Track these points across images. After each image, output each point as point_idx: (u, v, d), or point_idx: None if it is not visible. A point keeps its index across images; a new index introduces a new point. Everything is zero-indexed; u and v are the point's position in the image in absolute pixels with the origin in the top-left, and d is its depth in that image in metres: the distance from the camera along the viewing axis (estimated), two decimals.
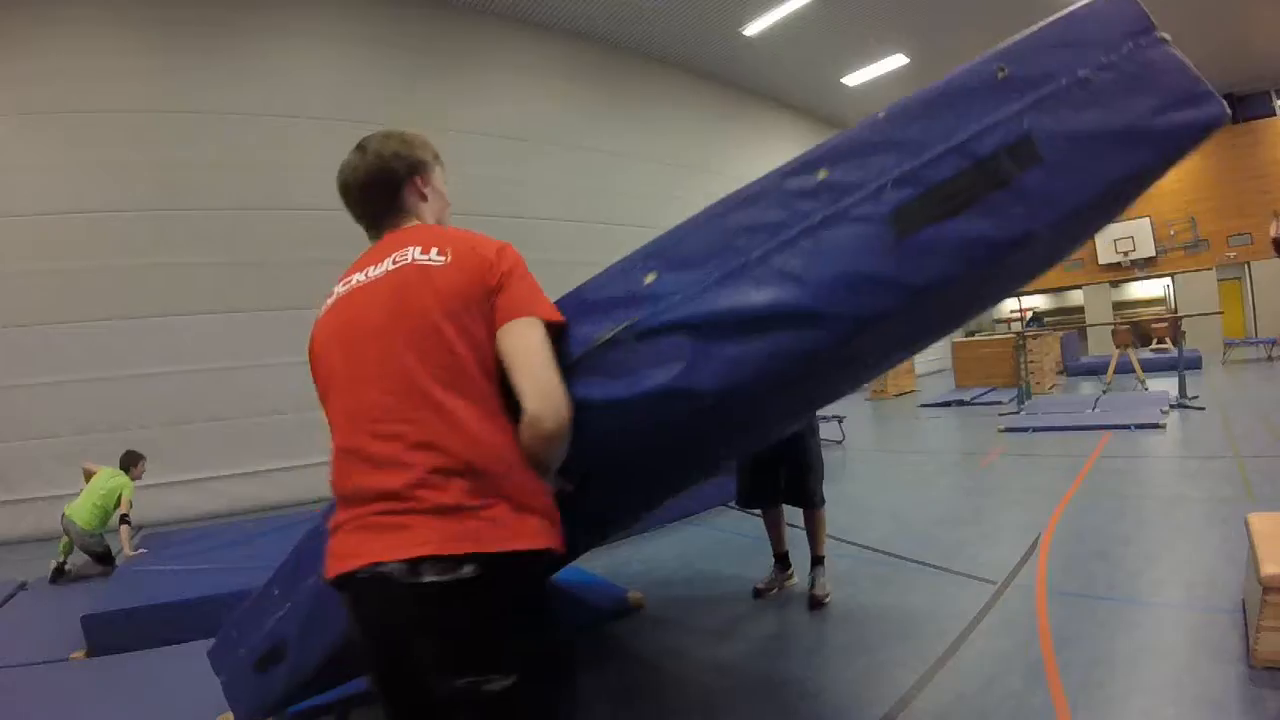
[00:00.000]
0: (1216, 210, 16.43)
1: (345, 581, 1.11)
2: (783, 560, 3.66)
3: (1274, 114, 15.90)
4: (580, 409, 1.21)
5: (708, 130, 12.85)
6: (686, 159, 12.26)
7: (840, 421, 8.71)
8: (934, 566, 3.76)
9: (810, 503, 3.41)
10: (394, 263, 1.30)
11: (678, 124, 12.21)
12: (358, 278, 1.38)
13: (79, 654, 3.28)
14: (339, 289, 1.43)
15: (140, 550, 4.97)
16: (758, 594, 3.52)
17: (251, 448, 7.50)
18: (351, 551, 1.10)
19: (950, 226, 1.20)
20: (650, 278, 1.32)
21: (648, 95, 11.79)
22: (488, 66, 9.61)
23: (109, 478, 5.27)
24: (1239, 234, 16.19)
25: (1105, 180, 1.25)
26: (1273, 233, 12.87)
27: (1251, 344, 14.80)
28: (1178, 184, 17.05)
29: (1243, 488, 4.64)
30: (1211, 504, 4.37)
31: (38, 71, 6.78)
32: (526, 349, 1.18)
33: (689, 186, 12.19)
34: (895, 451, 7.90)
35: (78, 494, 5.32)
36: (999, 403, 10.41)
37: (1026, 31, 1.43)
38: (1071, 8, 1.38)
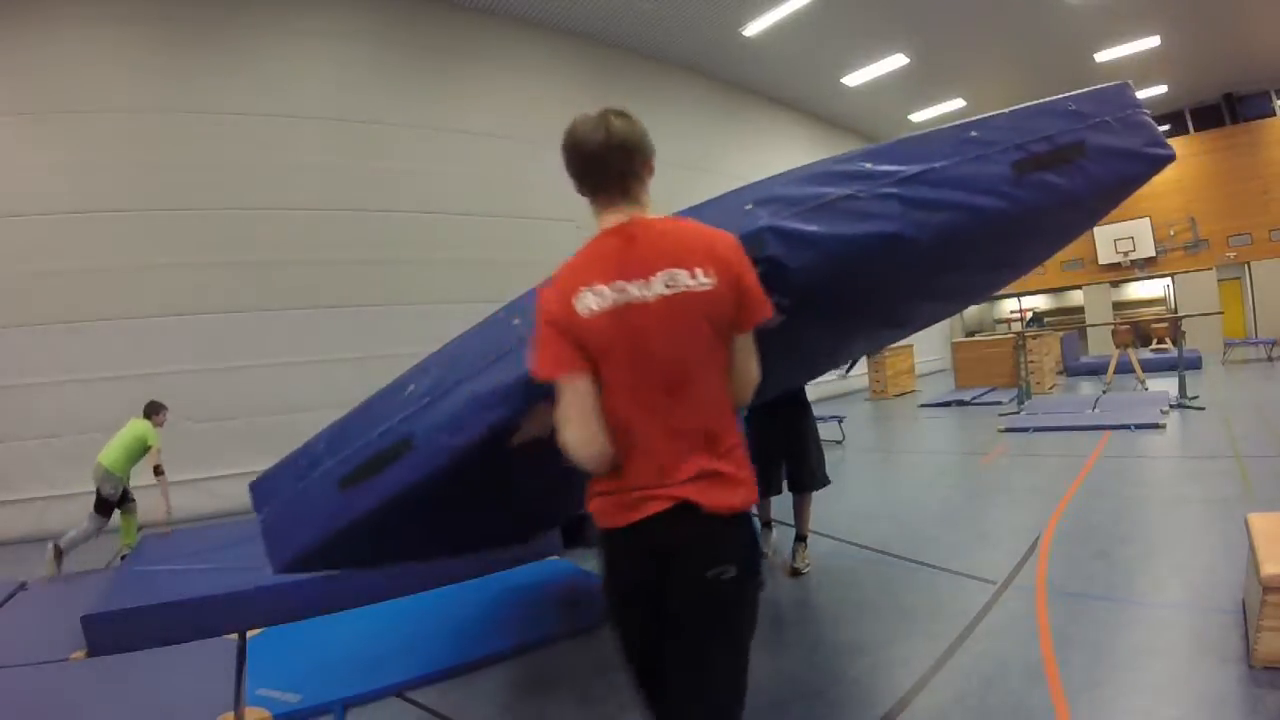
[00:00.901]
0: (1216, 210, 16.43)
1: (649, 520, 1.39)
2: (768, 526, 4.38)
3: (1274, 114, 15.90)
4: (819, 238, 1.82)
5: (708, 130, 12.84)
6: (687, 159, 12.24)
7: (840, 421, 8.72)
8: (934, 566, 3.76)
9: (812, 488, 3.92)
10: (667, 287, 1.37)
11: (678, 124, 12.20)
12: (633, 291, 1.37)
13: (79, 654, 3.27)
14: (609, 292, 1.37)
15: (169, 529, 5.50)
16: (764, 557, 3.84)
17: (251, 448, 7.48)
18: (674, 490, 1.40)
19: (1045, 176, 2.06)
20: (868, 164, 1.97)
21: (648, 95, 11.77)
22: (488, 66, 9.60)
23: (134, 424, 5.59)
24: (1239, 234, 16.20)
25: (1118, 175, 2.28)
26: None
27: (1251, 344, 14.81)
28: (1178, 184, 17.05)
29: (1243, 488, 4.65)
30: (1211, 504, 4.37)
31: (38, 71, 6.78)
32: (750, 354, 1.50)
33: (689, 186, 12.15)
34: (895, 451, 7.90)
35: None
36: (999, 403, 10.41)
37: (1084, 90, 2.36)
38: (1104, 86, 2.40)
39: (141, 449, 5.51)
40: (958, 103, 15.45)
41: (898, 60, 12.76)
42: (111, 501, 5.38)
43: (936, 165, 1.94)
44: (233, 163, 7.56)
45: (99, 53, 7.03)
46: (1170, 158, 2.35)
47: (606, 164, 1.44)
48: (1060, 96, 2.28)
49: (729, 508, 1.43)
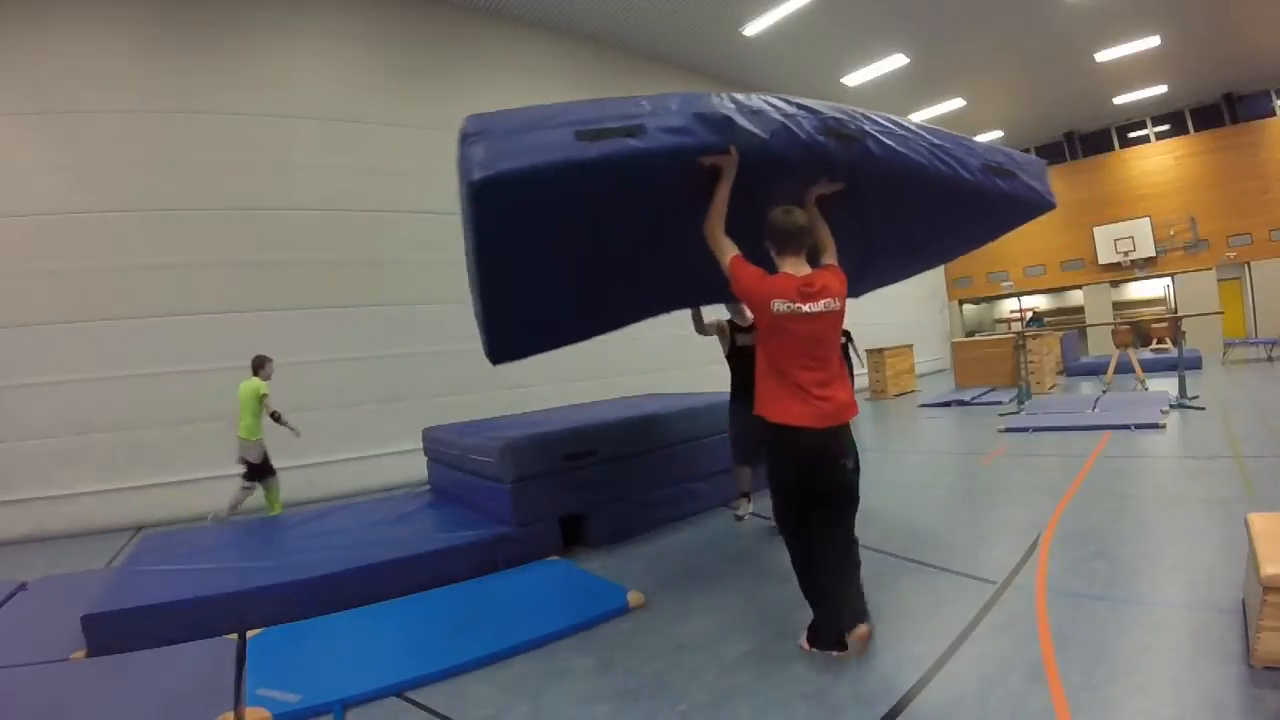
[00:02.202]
0: (1216, 210, 16.43)
1: (811, 429, 2.70)
2: (746, 496, 5.19)
3: (1274, 114, 15.90)
4: (883, 150, 3.02)
5: None
6: None
7: None
8: (934, 566, 3.76)
9: None
10: (825, 308, 2.72)
11: None
12: (807, 306, 2.69)
13: (79, 654, 3.27)
14: (796, 305, 2.68)
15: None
16: (739, 520, 5.07)
17: None
18: (828, 414, 2.72)
19: (996, 179, 3.37)
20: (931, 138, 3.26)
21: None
22: (487, 66, 9.61)
23: (244, 385, 6.13)
24: (1239, 234, 16.19)
25: (1027, 201, 3.64)
26: None
27: (1251, 344, 14.81)
28: (1178, 184, 17.06)
29: (1243, 488, 4.65)
30: (1211, 504, 4.37)
31: (38, 71, 6.78)
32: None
33: None
34: (895, 451, 7.90)
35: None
36: (999, 403, 10.41)
37: (1014, 151, 3.71)
38: (1029, 155, 3.82)
39: (258, 402, 6.08)
40: (957, 102, 15.45)
41: (898, 60, 12.76)
42: (258, 467, 6.11)
43: (949, 146, 3.21)
44: (233, 163, 7.56)
45: (99, 53, 7.03)
46: (1052, 205, 3.81)
47: (799, 240, 2.81)
48: (996, 149, 3.60)
49: (844, 421, 2.84)
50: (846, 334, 5.86)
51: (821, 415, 2.68)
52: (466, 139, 2.49)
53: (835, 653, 2.74)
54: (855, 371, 5.49)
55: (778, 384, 2.73)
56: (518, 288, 3.40)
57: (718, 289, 3.28)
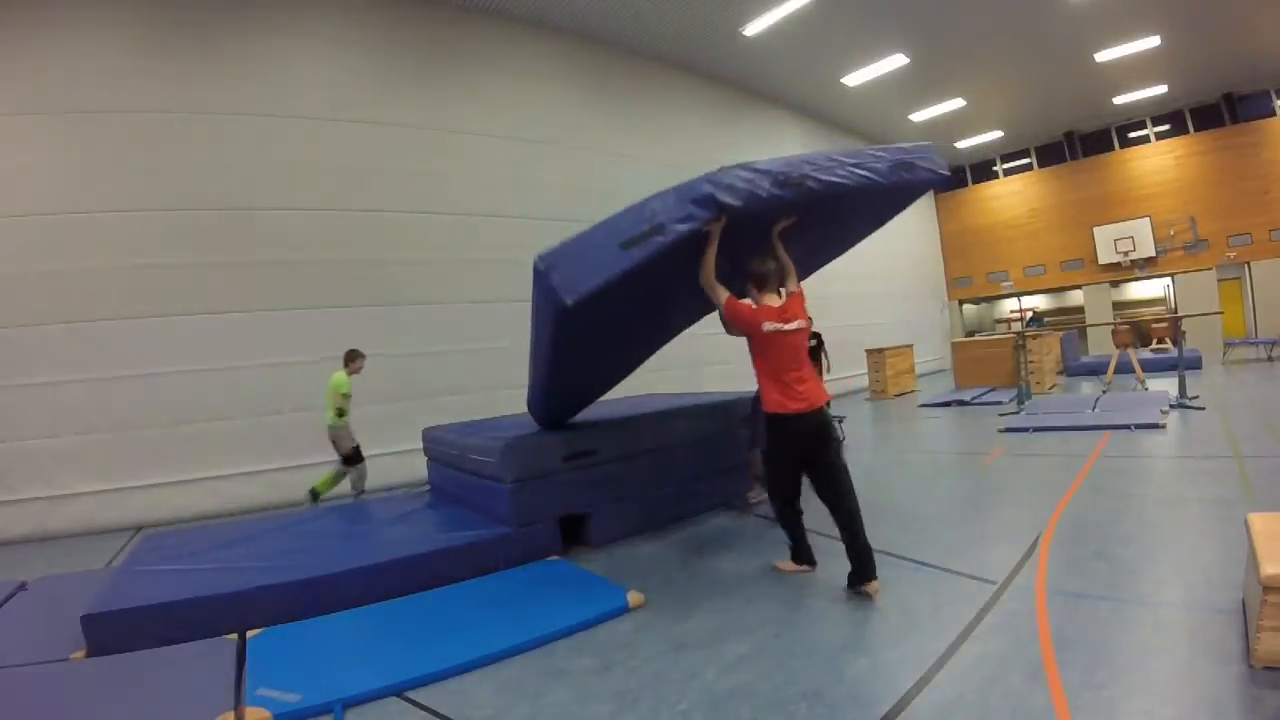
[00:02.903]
0: (1216, 210, 16.43)
1: (801, 413, 3.63)
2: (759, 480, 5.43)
3: (1274, 114, 15.90)
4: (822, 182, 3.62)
5: (708, 130, 12.84)
6: (687, 159, 12.23)
7: (840, 421, 8.72)
8: (934, 566, 3.76)
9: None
10: (797, 326, 3.69)
11: (678, 124, 12.21)
12: (786, 326, 3.67)
13: (79, 654, 3.27)
14: (779, 325, 3.66)
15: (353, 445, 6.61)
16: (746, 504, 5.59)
17: (251, 448, 7.49)
18: (812, 401, 3.64)
19: (901, 172, 3.96)
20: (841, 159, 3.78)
21: (648, 96, 11.78)
22: (487, 67, 9.60)
23: (331, 379, 6.51)
24: (1239, 234, 16.19)
25: (927, 173, 4.12)
26: None
27: (1251, 344, 14.81)
28: (1178, 184, 17.06)
29: (1242, 488, 4.65)
30: (1211, 504, 4.37)
31: (38, 71, 6.77)
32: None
33: None
34: (895, 451, 7.90)
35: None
36: (999, 403, 10.42)
37: (906, 145, 4.17)
38: (918, 144, 4.23)
39: (341, 394, 6.44)
40: (957, 102, 15.45)
41: (898, 60, 12.75)
42: (349, 451, 6.58)
43: (864, 160, 3.82)
44: (233, 163, 7.56)
45: (100, 54, 7.03)
46: (945, 177, 4.34)
47: (774, 280, 3.73)
48: (900, 145, 4.16)
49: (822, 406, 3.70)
50: (818, 337, 6.16)
51: (806, 403, 3.64)
52: (545, 274, 3.28)
53: (808, 567, 3.96)
54: (828, 369, 5.87)
55: (772, 384, 3.69)
56: (578, 369, 4.62)
57: (697, 312, 4.71)
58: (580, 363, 4.52)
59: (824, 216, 4.22)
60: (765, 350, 3.66)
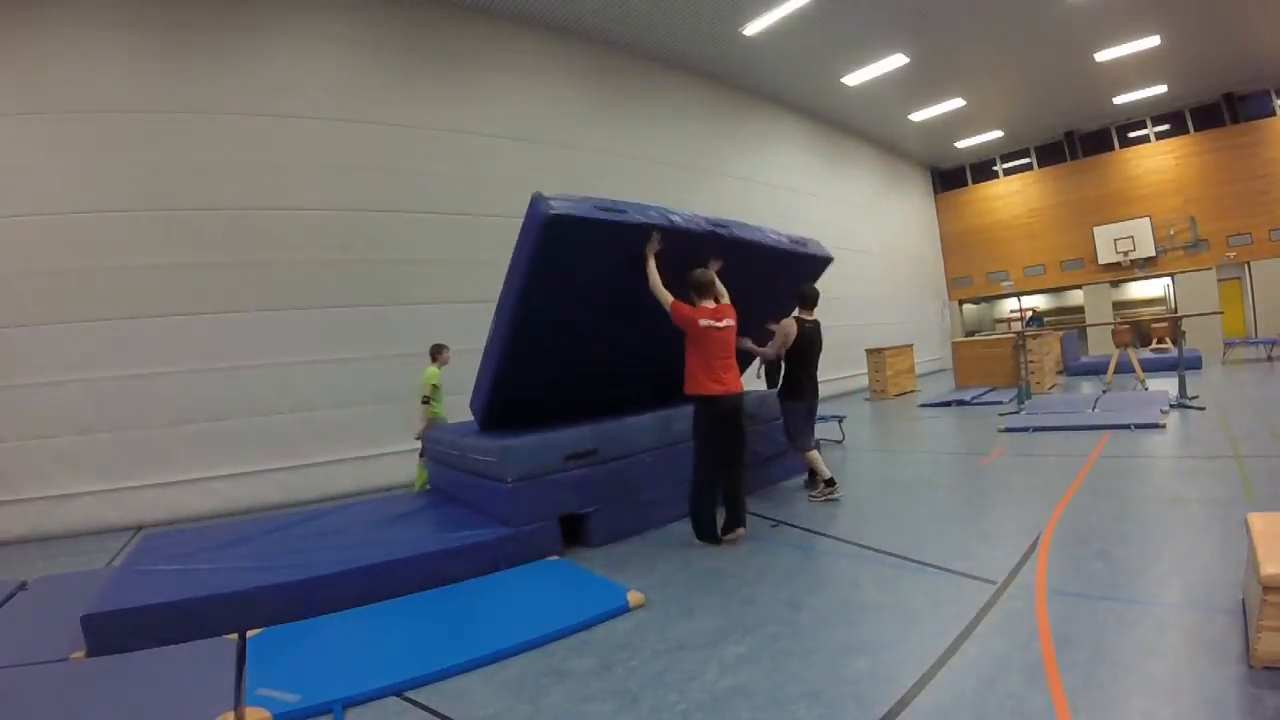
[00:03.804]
0: (1216, 210, 16.43)
1: (726, 395, 4.56)
2: (831, 482, 5.65)
3: (1274, 114, 15.90)
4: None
5: (708, 130, 12.84)
6: (687, 159, 12.27)
7: (840, 421, 8.72)
8: (934, 566, 3.76)
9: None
10: (726, 324, 4.63)
11: (678, 124, 12.21)
12: (718, 323, 4.57)
13: (79, 654, 3.27)
14: (713, 322, 4.53)
15: (421, 439, 6.82)
16: (835, 500, 5.59)
17: (251, 448, 7.50)
18: (732, 387, 4.60)
19: (797, 248, 6.25)
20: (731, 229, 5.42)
21: (648, 95, 11.78)
22: (487, 67, 9.60)
23: (424, 372, 6.96)
24: (1239, 234, 16.20)
25: (816, 251, 6.58)
26: None
27: (1251, 344, 14.81)
28: (1178, 184, 17.06)
29: (1242, 488, 4.65)
30: (1211, 504, 4.37)
31: (39, 71, 6.78)
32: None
33: (690, 186, 12.19)
34: (895, 451, 7.90)
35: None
36: (999, 403, 10.42)
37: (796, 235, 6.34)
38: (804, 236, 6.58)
39: (432, 385, 6.86)
40: (957, 102, 15.45)
41: (898, 60, 12.75)
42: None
43: (770, 230, 5.83)
44: (233, 163, 7.56)
45: (100, 54, 7.03)
46: (829, 260, 6.72)
47: (710, 289, 4.70)
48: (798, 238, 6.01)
49: (741, 392, 4.70)
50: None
51: (727, 388, 4.54)
52: (540, 199, 4.30)
53: (714, 546, 4.54)
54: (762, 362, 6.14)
55: (703, 371, 4.51)
56: (540, 348, 5.03)
57: (653, 332, 4.92)
58: (543, 338, 4.92)
59: (746, 270, 5.30)
60: (700, 342, 4.51)
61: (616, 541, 4.87)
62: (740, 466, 4.68)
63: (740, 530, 4.62)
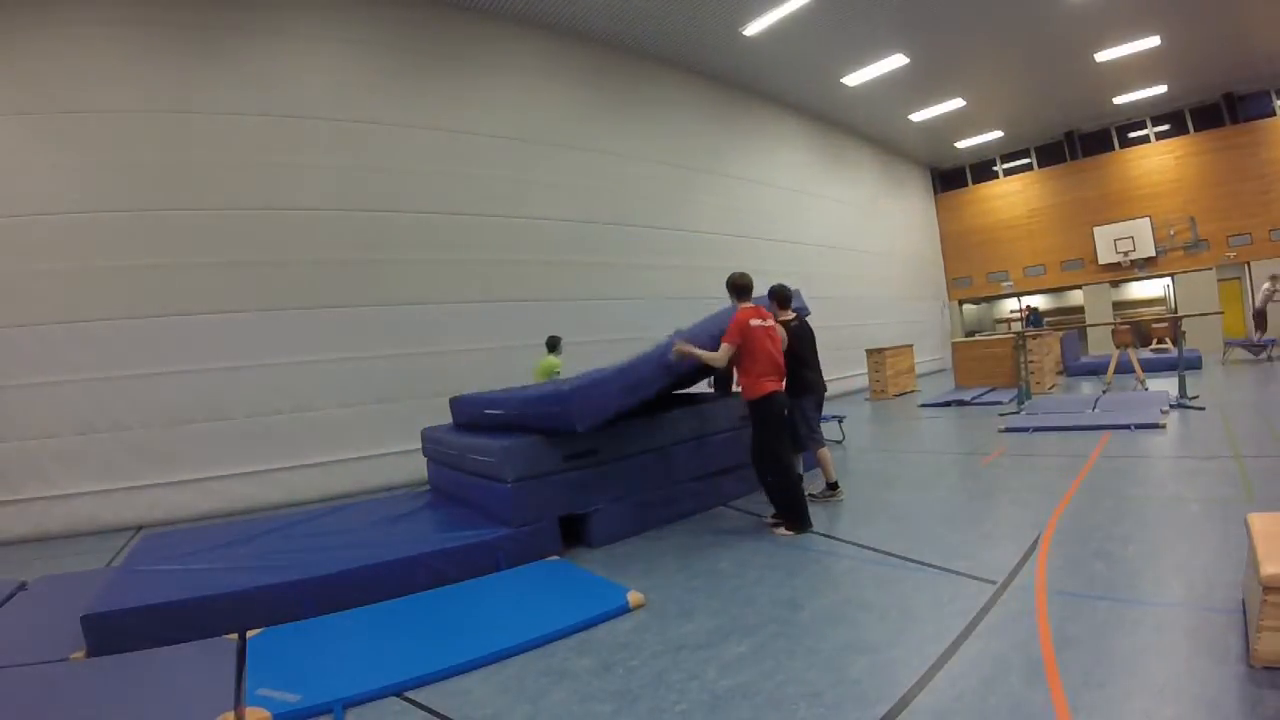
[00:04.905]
0: (1216, 210, 16.43)
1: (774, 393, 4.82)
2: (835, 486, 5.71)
3: (1274, 114, 15.90)
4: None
5: (708, 130, 12.84)
6: (687, 159, 12.27)
7: (840, 421, 8.72)
8: (934, 566, 3.76)
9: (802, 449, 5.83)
10: (771, 322, 4.98)
11: (678, 124, 12.21)
12: (766, 322, 4.89)
13: (79, 654, 3.27)
14: (759, 322, 4.81)
15: None
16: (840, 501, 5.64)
17: (251, 448, 7.50)
18: (776, 386, 4.85)
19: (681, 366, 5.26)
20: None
21: (648, 95, 11.78)
22: (488, 67, 9.60)
23: (542, 362, 7.86)
24: (1239, 234, 16.20)
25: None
26: (1257, 303, 13.16)
27: (1251, 344, 14.79)
28: (1178, 184, 17.06)
29: (1243, 488, 4.65)
30: (1211, 504, 4.37)
31: (37, 71, 6.78)
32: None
33: (690, 186, 12.20)
34: (895, 451, 7.90)
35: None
36: (999, 403, 10.42)
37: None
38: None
39: (555, 374, 7.54)
40: (957, 102, 15.45)
41: (898, 60, 12.75)
42: None
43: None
44: (232, 163, 7.56)
45: (99, 53, 7.03)
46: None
47: (749, 290, 5.00)
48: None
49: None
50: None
51: (781, 385, 4.89)
52: (568, 397, 4.66)
53: (812, 530, 4.72)
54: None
55: (760, 371, 4.75)
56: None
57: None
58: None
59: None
60: (750, 345, 4.71)
61: (616, 541, 4.87)
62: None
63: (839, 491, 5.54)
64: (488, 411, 5.96)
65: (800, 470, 5.73)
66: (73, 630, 3.36)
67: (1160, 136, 17.48)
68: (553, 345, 8.05)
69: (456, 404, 6.91)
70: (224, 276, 7.47)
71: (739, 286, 4.90)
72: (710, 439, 5.76)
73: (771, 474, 4.82)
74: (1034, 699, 2.31)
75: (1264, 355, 13.56)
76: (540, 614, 3.48)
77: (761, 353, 4.70)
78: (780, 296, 5.57)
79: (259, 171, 7.71)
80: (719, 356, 4.72)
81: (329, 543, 4.60)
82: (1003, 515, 4.81)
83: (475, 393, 6.96)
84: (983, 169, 20.73)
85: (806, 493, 5.42)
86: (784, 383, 4.93)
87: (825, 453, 5.65)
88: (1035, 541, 3.98)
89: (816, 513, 5.19)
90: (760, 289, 5.31)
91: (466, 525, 4.72)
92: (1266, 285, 13.54)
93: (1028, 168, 19.88)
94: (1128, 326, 12.52)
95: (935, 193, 21.60)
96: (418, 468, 7.49)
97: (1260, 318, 13.50)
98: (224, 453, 7.36)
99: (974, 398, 11.24)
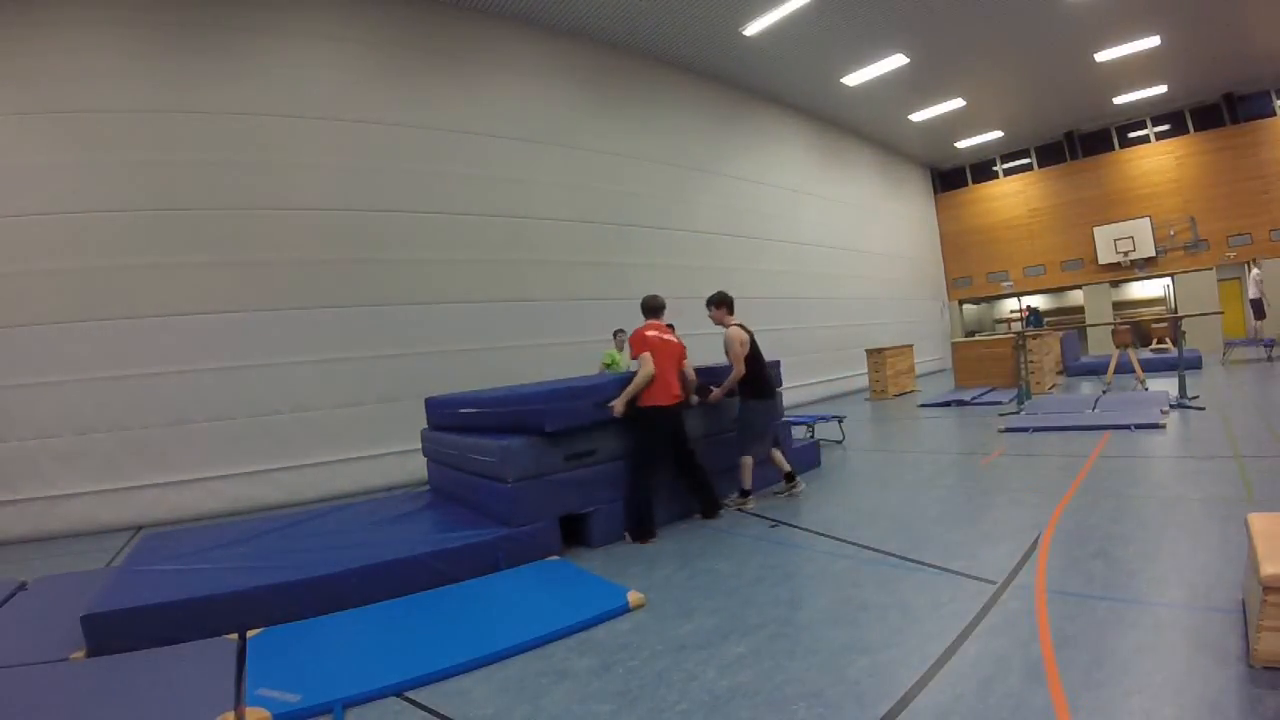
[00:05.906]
0: (1216, 210, 16.43)
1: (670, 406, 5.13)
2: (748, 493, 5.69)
3: (1274, 114, 15.90)
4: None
5: (708, 130, 12.84)
6: (687, 159, 12.27)
7: (840, 421, 8.72)
8: (934, 566, 3.76)
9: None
10: (670, 337, 5.30)
11: (678, 124, 12.21)
12: (657, 334, 5.18)
13: (79, 654, 3.27)
14: (656, 334, 5.17)
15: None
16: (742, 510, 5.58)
17: (251, 448, 7.50)
18: (675, 397, 5.16)
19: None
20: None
21: (648, 96, 11.79)
22: (488, 67, 9.60)
23: (606, 352, 8.82)
24: (1239, 234, 16.20)
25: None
26: (1251, 293, 13.20)
27: (1251, 345, 14.79)
28: (1178, 184, 17.06)
29: (1243, 488, 4.65)
30: (1211, 504, 4.37)
31: (37, 71, 6.78)
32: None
33: (689, 186, 12.20)
34: (895, 451, 7.90)
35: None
36: (999, 403, 10.42)
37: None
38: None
39: (607, 368, 8.30)
40: (957, 102, 15.45)
41: (898, 60, 12.75)
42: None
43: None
44: (233, 163, 7.56)
45: (99, 53, 7.03)
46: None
47: (658, 311, 5.43)
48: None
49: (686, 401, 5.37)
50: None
51: (679, 398, 5.18)
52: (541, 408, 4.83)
53: (643, 542, 4.81)
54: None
55: (657, 384, 4.99)
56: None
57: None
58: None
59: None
60: (654, 356, 5.00)
61: (616, 541, 4.87)
62: (695, 458, 5.29)
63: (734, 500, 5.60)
64: (462, 411, 6.04)
65: (790, 468, 5.89)
66: (73, 630, 3.36)
67: (1160, 136, 17.49)
68: (619, 335, 8.79)
69: (431, 405, 6.97)
70: (224, 276, 7.47)
71: (647, 307, 5.39)
72: (710, 439, 5.75)
73: (627, 480, 4.97)
74: (1034, 699, 2.31)
75: (1271, 354, 13.55)
76: (540, 614, 3.48)
77: (659, 364, 4.98)
78: (723, 302, 5.61)
79: (259, 171, 7.71)
80: (642, 373, 4.92)
81: (329, 543, 4.60)
82: (1002, 515, 4.80)
83: (448, 394, 7.09)
84: (983, 169, 20.73)
85: (777, 492, 5.86)
86: (675, 401, 5.08)
87: (747, 460, 5.59)
88: (1035, 541, 3.98)
89: (814, 512, 5.19)
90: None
91: (466, 525, 4.72)
92: (1255, 272, 13.60)
93: (1028, 168, 19.88)
94: (1128, 327, 12.51)
95: (935, 192, 21.61)
96: (418, 468, 7.49)
97: (1258, 306, 13.50)
98: (224, 453, 7.36)
99: (974, 398, 11.23)
